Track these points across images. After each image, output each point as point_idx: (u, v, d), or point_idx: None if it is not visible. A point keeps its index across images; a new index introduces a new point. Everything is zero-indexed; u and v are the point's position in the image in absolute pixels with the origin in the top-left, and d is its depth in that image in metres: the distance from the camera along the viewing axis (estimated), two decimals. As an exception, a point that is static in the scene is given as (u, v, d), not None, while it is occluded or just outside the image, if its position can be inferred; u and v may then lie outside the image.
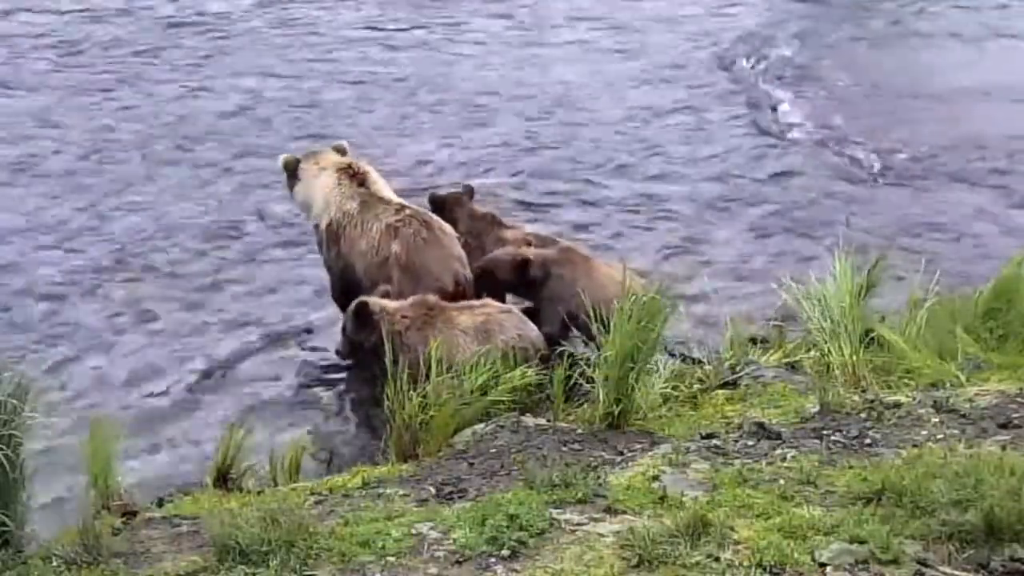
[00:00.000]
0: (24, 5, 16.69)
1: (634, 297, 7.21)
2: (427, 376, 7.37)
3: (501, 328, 8.28)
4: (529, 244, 9.40)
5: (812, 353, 8.25)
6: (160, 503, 6.91)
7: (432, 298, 8.59)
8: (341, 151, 9.92)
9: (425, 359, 7.49)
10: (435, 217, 9.32)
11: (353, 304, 8.61)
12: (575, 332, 8.77)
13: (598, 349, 7.50)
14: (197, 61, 15.27)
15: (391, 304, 8.55)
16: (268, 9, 17.21)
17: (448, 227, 9.28)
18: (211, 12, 16.91)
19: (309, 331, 9.79)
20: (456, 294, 8.87)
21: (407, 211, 9.24)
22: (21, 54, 15.28)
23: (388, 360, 7.54)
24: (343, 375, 9.26)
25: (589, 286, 8.54)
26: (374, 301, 8.56)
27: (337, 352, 8.93)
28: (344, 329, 8.76)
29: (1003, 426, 6.63)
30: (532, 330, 8.46)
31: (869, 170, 13.22)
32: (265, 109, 14.05)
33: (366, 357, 8.64)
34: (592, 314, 7.71)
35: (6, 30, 16.05)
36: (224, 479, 7.10)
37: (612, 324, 7.09)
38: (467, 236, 9.49)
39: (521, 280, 8.94)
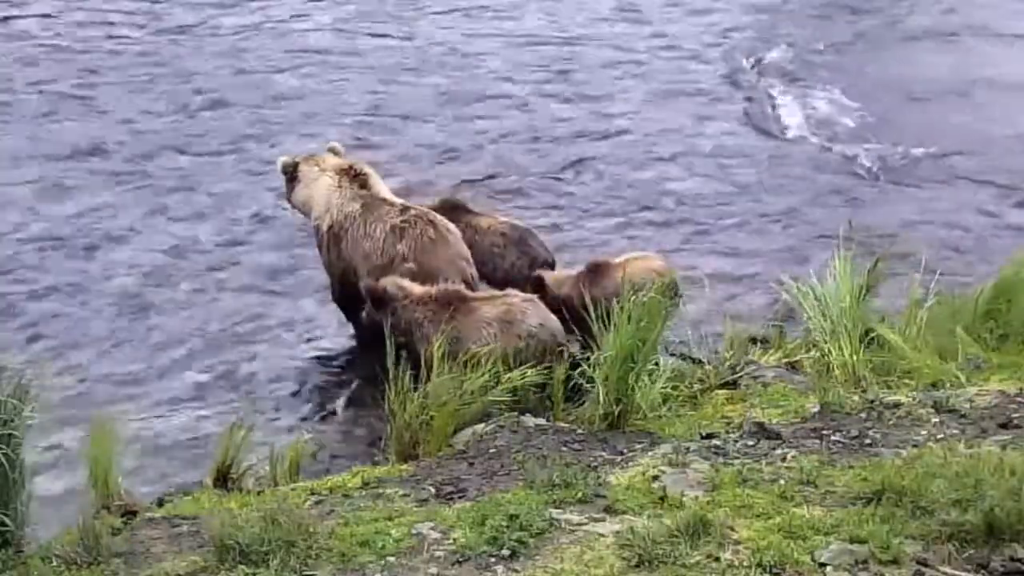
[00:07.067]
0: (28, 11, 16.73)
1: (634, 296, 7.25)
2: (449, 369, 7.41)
3: (523, 317, 8.23)
4: (504, 234, 9.57)
5: (812, 353, 8.25)
6: (160, 503, 6.91)
7: (457, 288, 8.52)
8: (337, 152, 9.92)
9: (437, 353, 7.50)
10: (439, 216, 9.28)
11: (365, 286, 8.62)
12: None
13: None
14: (193, 61, 15.25)
15: (416, 289, 8.52)
16: (254, 6, 17.21)
17: (452, 226, 9.26)
18: (198, 11, 16.92)
19: (309, 331, 9.79)
20: None
21: (412, 211, 9.23)
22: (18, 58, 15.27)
23: (392, 348, 7.54)
24: (343, 375, 9.27)
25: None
26: (394, 283, 8.54)
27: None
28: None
29: (1003, 426, 6.64)
30: (554, 321, 8.38)
31: (869, 170, 13.22)
32: (260, 108, 14.02)
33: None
34: None
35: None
36: (224, 479, 7.10)
37: None
38: None
39: None
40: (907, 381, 7.67)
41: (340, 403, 8.80)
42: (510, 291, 8.65)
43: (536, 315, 8.31)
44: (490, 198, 11.19)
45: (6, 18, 16.24)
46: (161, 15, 16.55)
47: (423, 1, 17.45)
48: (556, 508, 5.62)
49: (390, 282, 8.54)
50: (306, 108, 14.02)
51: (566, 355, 8.04)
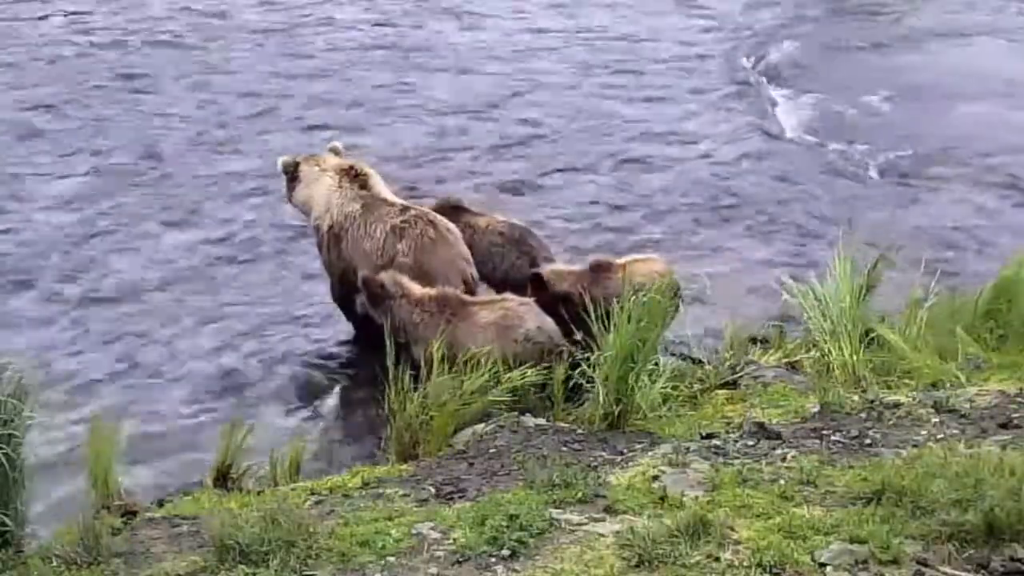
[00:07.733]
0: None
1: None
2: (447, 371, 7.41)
3: (521, 321, 8.26)
4: (503, 233, 9.55)
5: (812, 353, 8.26)
6: (160, 503, 6.91)
7: (455, 292, 8.55)
8: (338, 152, 9.92)
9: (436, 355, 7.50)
10: (440, 217, 9.28)
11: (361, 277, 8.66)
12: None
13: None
14: (193, 62, 15.28)
15: (415, 290, 8.52)
16: (258, 7, 17.24)
17: (453, 226, 9.25)
18: (204, 13, 16.93)
19: (309, 332, 9.78)
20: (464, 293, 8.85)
21: (412, 212, 9.23)
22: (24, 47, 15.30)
23: (392, 348, 7.54)
24: (343, 375, 9.27)
25: None
26: (393, 279, 8.55)
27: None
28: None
29: (1003, 426, 6.64)
30: (551, 324, 8.41)
31: (869, 170, 13.22)
32: (260, 108, 14.03)
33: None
34: None
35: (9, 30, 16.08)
36: (224, 479, 7.10)
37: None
38: None
39: None
40: (907, 381, 7.67)
41: (329, 403, 8.83)
42: (507, 295, 8.67)
43: (533, 319, 8.33)
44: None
45: (40, 18, 16.31)
46: (198, 12, 16.65)
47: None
48: (556, 508, 5.61)
49: (389, 277, 8.54)
50: (351, 106, 14.10)
51: (565, 356, 8.04)
